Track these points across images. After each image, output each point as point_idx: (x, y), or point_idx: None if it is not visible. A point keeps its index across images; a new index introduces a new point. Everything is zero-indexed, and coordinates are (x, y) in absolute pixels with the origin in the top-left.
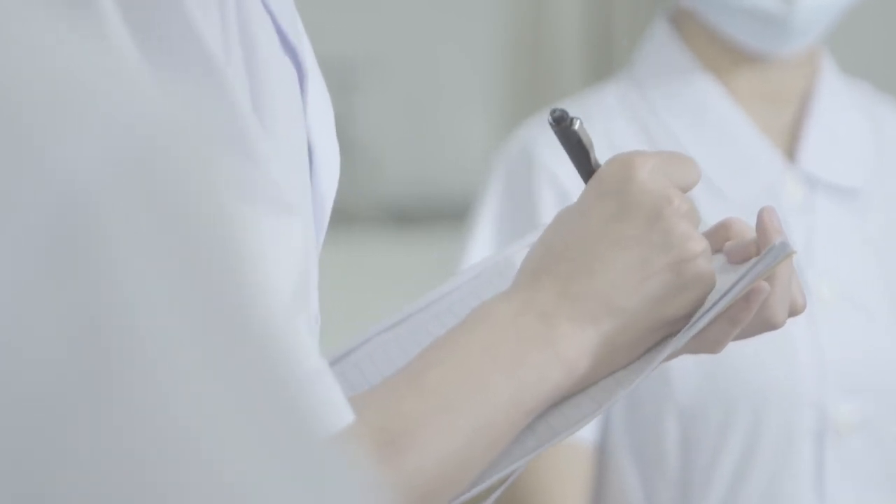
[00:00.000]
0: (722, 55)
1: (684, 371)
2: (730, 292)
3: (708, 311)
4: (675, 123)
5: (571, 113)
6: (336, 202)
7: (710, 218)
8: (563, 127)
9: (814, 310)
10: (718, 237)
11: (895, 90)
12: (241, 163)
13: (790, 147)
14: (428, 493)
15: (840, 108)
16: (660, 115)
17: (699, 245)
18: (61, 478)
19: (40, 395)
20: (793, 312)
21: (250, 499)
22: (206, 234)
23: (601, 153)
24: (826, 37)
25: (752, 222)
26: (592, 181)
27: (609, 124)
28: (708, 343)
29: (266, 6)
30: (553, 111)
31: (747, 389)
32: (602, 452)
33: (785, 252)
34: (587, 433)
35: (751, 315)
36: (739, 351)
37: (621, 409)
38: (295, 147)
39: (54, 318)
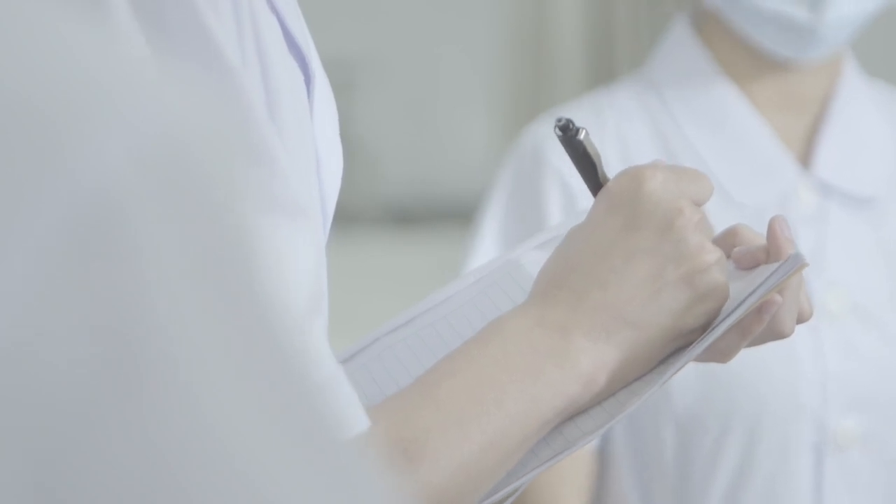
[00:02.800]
0: (744, 60)
1: (683, 379)
2: (743, 304)
3: (721, 322)
4: (690, 127)
5: (578, 122)
6: (336, 202)
7: (722, 224)
8: (569, 136)
9: (819, 321)
10: (726, 244)
11: None
12: (258, 167)
13: (806, 154)
14: None
15: (860, 114)
16: (676, 119)
17: (712, 256)
18: (86, 478)
19: (64, 396)
20: (800, 320)
21: (275, 501)
22: (230, 236)
23: (613, 155)
24: (852, 41)
25: (763, 230)
26: (602, 193)
27: (623, 125)
28: (718, 352)
29: (274, 8)
30: (559, 119)
31: (746, 399)
32: (602, 459)
33: (798, 264)
34: None
35: (762, 326)
36: (739, 361)
37: None
38: (303, 150)
39: (79, 320)
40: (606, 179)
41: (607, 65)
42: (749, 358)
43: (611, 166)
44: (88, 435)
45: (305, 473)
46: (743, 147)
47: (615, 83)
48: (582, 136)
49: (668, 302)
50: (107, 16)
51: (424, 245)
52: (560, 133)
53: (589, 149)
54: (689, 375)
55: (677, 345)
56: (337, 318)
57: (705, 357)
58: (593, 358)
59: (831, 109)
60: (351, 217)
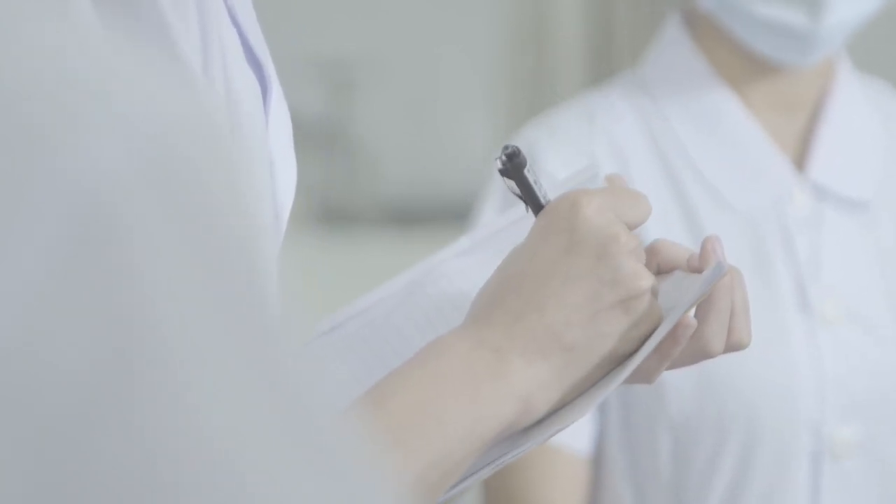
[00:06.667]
0: (738, 63)
1: (678, 386)
2: (668, 319)
3: (648, 341)
4: (683, 130)
5: (567, 126)
6: (336, 202)
7: (716, 229)
8: (515, 164)
9: (815, 327)
10: (649, 262)
11: None
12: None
13: (800, 157)
14: None
15: (854, 115)
16: (668, 120)
17: (647, 282)
18: (86, 478)
19: (64, 396)
20: (736, 347)
21: (273, 499)
22: (228, 235)
23: (606, 157)
24: (847, 43)
25: (757, 234)
26: (541, 217)
27: (614, 127)
28: (641, 374)
29: (234, 19)
30: (506, 147)
31: (742, 406)
32: (597, 465)
33: (720, 273)
34: (583, 444)
35: (678, 349)
36: (736, 368)
37: (616, 421)
38: (258, 160)
39: (76, 322)
40: (548, 201)
41: (607, 65)
42: (743, 366)
43: (603, 167)
44: (88, 435)
45: (306, 474)
46: (737, 149)
47: (608, 84)
48: (527, 168)
49: (603, 326)
50: (69, 12)
51: (424, 245)
52: (505, 160)
53: (530, 176)
54: (684, 383)
55: (608, 368)
56: None
57: (629, 380)
58: (528, 379)
59: (826, 111)
60: (351, 217)
